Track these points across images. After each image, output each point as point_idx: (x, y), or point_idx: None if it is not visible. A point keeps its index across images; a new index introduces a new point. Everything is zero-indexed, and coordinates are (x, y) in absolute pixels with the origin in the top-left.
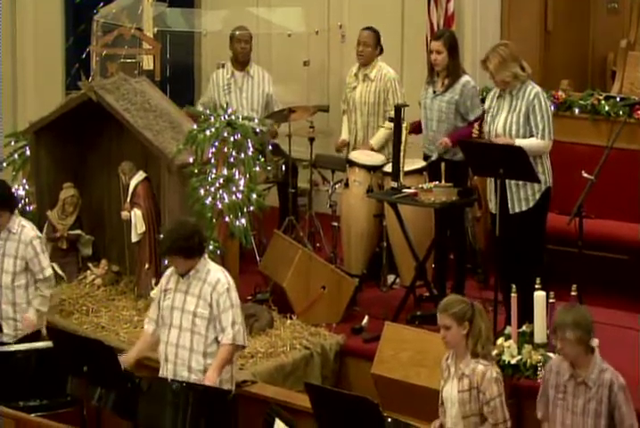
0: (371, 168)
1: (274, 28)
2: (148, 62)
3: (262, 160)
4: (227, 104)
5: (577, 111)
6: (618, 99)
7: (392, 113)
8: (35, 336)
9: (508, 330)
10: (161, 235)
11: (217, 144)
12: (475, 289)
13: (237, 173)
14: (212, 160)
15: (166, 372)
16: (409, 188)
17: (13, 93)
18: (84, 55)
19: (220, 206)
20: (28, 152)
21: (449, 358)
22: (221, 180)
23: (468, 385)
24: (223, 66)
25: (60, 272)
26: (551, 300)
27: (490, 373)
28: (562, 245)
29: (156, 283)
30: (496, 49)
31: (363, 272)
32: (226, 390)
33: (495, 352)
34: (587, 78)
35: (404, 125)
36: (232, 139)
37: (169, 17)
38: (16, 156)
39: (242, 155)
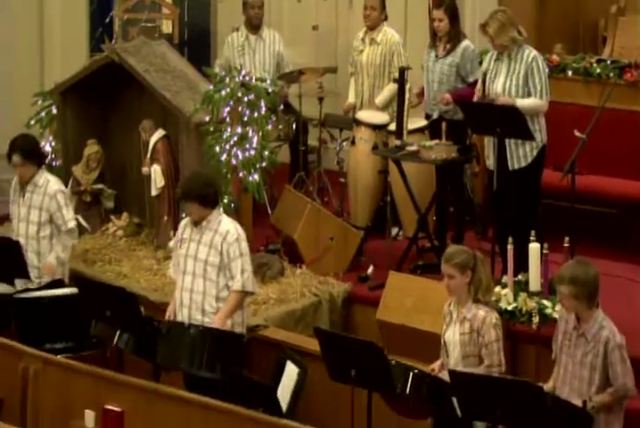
0: (376, 127)
1: None
2: (167, 26)
3: (274, 118)
4: (241, 66)
5: (570, 73)
6: (609, 62)
7: (397, 75)
8: (58, 284)
9: (505, 279)
10: (180, 183)
11: (231, 103)
12: (474, 240)
13: (251, 131)
14: (227, 119)
15: (182, 316)
16: (412, 146)
17: (40, 55)
18: (107, 20)
19: (234, 162)
20: (54, 111)
21: (452, 304)
22: (235, 138)
23: (469, 328)
24: (237, 29)
25: (84, 224)
26: (545, 252)
27: (490, 318)
28: (555, 200)
29: (174, 235)
30: (494, 15)
31: (368, 224)
32: (240, 334)
33: (492, 299)
34: (580, 42)
35: (407, 86)
36: (245, 99)
37: None
38: (43, 114)
39: (256, 114)
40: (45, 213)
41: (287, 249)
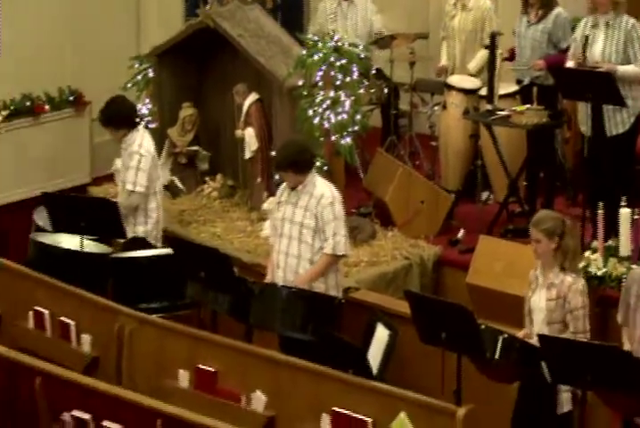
0: (468, 92)
1: None
2: None
3: (366, 83)
4: (334, 32)
5: None
6: None
7: (488, 41)
8: (144, 244)
9: (595, 244)
10: (274, 153)
11: (324, 68)
12: (564, 205)
13: (343, 95)
14: (320, 83)
15: (277, 278)
16: (503, 110)
17: (137, 20)
18: None
19: (327, 126)
20: (150, 74)
21: (538, 269)
22: (328, 102)
23: (556, 294)
24: None
25: (179, 185)
26: (635, 217)
27: (577, 285)
28: None
29: (267, 197)
30: None
31: (459, 188)
32: (332, 296)
33: (582, 264)
34: None
35: (498, 52)
36: (338, 64)
37: None
38: (139, 78)
39: (348, 79)
40: (125, 171)
41: (378, 212)
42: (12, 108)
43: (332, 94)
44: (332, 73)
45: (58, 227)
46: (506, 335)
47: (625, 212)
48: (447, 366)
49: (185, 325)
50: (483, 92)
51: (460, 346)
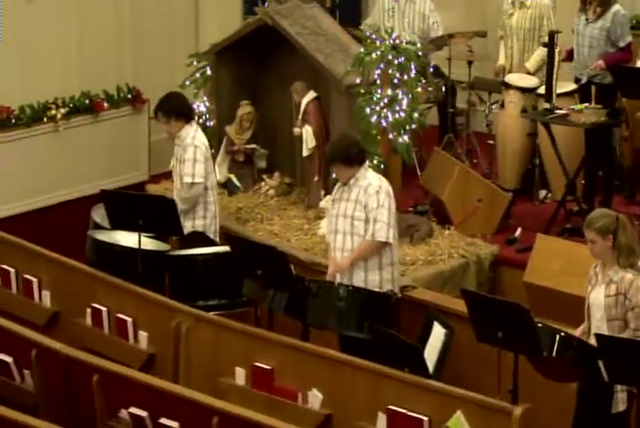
0: (525, 90)
1: None
2: None
3: (424, 81)
4: (392, 29)
5: None
6: None
7: (546, 39)
8: (204, 238)
9: None
10: (326, 149)
11: (382, 66)
12: (622, 204)
13: (401, 93)
14: (378, 81)
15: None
16: (561, 109)
17: (195, 18)
18: None
19: (384, 124)
20: (209, 72)
21: (598, 266)
22: (386, 100)
23: (615, 291)
24: None
25: (237, 183)
26: None
27: (637, 282)
28: None
29: (324, 195)
30: None
31: (516, 187)
32: (389, 294)
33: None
34: None
35: (557, 50)
36: (396, 62)
37: None
38: (198, 75)
39: (406, 77)
40: (181, 165)
41: (435, 210)
42: (71, 106)
43: (389, 92)
44: (390, 71)
45: (116, 225)
46: (563, 334)
47: None
48: (504, 365)
49: (242, 323)
50: (541, 90)
51: (517, 345)
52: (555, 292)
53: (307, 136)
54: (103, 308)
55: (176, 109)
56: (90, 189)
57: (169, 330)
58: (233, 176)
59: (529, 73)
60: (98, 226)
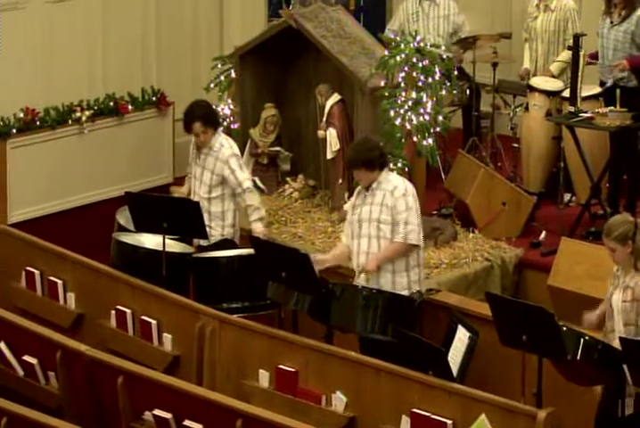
0: (550, 93)
1: None
2: None
3: (448, 84)
4: (416, 32)
5: None
6: None
7: (571, 42)
8: (229, 244)
9: None
10: (346, 153)
11: (406, 68)
12: None
13: (425, 96)
14: (402, 84)
15: (358, 279)
16: (586, 112)
17: (220, 21)
18: None
19: (409, 127)
20: (233, 75)
21: (619, 269)
22: (410, 103)
23: (631, 296)
24: None
25: (261, 185)
26: None
27: None
28: None
29: (349, 197)
30: None
31: (541, 190)
32: (412, 298)
33: None
34: None
35: (581, 53)
36: (420, 65)
37: None
38: (222, 78)
39: (430, 80)
40: (216, 177)
41: (460, 213)
42: (95, 108)
43: (414, 94)
44: (415, 74)
45: (140, 227)
46: (588, 337)
47: None
48: (528, 368)
49: (266, 326)
50: (566, 93)
51: (541, 348)
52: (580, 296)
53: (331, 139)
54: (128, 311)
55: (213, 118)
56: (114, 191)
57: (193, 332)
58: (257, 179)
59: (553, 76)
60: (123, 229)
